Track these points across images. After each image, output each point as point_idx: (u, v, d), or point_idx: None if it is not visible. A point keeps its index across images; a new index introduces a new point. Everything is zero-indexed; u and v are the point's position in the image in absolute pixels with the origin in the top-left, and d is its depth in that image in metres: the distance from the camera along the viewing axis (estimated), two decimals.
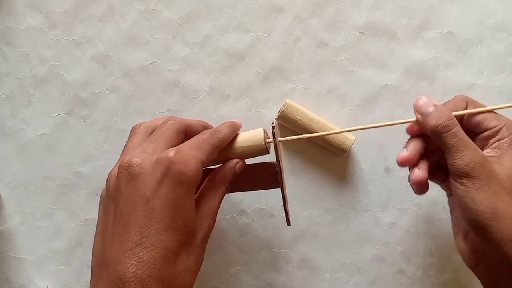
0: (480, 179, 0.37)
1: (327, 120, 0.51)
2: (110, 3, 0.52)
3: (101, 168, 0.52)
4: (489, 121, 0.40)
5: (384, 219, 0.53)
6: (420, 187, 0.41)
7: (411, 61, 0.52)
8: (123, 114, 0.52)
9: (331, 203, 0.53)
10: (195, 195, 0.38)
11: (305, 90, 0.52)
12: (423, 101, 0.41)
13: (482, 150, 0.40)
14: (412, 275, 0.53)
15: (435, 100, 0.41)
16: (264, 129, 0.42)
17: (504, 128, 0.39)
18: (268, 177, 0.43)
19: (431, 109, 0.40)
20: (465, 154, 0.38)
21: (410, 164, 0.41)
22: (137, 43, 0.52)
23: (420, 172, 0.41)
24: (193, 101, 0.52)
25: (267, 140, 0.42)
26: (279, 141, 0.43)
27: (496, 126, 0.40)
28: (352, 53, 0.52)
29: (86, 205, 0.52)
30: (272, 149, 0.43)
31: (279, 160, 0.42)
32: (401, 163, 0.41)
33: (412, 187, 0.42)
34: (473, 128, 0.41)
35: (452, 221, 0.44)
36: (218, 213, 0.40)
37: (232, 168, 0.41)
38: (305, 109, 0.51)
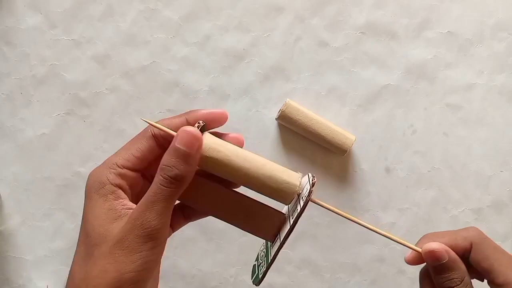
0: None
1: (328, 120, 0.51)
2: (110, 2, 0.52)
3: None
4: (497, 274, 0.34)
5: (385, 219, 0.53)
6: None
7: (412, 61, 0.52)
8: (123, 114, 0.52)
9: (331, 203, 0.53)
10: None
11: (305, 90, 0.52)
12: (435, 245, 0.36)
13: None
14: (413, 275, 0.52)
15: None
16: (301, 176, 0.36)
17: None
18: (266, 226, 0.36)
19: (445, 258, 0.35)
20: None
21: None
22: (137, 42, 0.52)
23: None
24: (193, 101, 0.52)
25: (299, 192, 0.35)
26: (310, 201, 0.35)
27: (502, 285, 0.34)
28: (353, 53, 0.52)
29: None
30: (292, 203, 0.37)
31: (297, 221, 0.35)
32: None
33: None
34: (482, 273, 0.36)
35: None
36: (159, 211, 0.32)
37: (172, 151, 0.32)
38: (306, 109, 0.51)
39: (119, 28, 0.52)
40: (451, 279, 0.35)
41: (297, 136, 0.52)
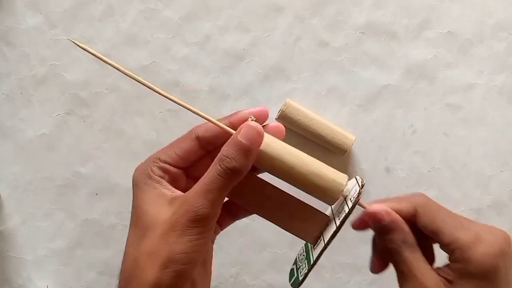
0: None
1: (328, 120, 0.51)
2: (110, 2, 0.52)
3: (100, 168, 0.52)
4: (443, 235, 0.34)
5: None
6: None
7: (412, 61, 0.52)
8: (123, 114, 0.52)
9: None
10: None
11: (305, 90, 0.52)
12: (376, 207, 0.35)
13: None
14: None
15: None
16: (347, 178, 0.35)
17: (457, 250, 0.33)
18: (310, 227, 0.36)
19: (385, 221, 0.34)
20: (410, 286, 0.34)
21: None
22: (137, 42, 0.52)
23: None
24: (193, 101, 0.52)
25: (345, 193, 0.35)
26: (358, 203, 0.34)
27: (449, 245, 0.33)
28: (353, 53, 0.52)
29: (85, 205, 0.52)
30: (337, 205, 0.36)
31: (343, 222, 0.34)
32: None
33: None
34: (428, 235, 0.35)
35: None
36: (211, 197, 0.33)
37: (234, 141, 0.33)
38: (306, 109, 0.51)
39: (119, 28, 0.52)
40: (392, 240, 0.35)
41: (297, 136, 0.52)
